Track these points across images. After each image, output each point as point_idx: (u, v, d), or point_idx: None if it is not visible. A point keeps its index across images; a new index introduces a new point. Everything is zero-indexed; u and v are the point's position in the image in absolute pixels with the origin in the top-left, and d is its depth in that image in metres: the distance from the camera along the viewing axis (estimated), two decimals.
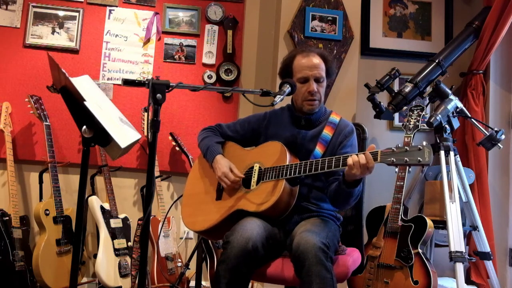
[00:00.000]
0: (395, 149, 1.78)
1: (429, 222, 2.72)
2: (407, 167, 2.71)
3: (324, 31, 3.28)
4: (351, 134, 2.19)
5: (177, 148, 3.28)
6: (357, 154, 1.85)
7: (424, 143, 1.74)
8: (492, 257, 2.90)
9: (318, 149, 2.11)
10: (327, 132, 2.15)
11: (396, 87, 3.42)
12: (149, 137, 1.71)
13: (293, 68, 2.17)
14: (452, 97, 2.84)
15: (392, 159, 1.77)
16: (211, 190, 2.22)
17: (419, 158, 1.72)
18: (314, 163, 1.96)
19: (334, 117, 2.21)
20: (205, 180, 2.27)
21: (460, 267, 2.46)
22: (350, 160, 1.84)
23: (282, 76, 2.21)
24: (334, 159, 1.92)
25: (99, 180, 3.25)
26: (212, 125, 2.38)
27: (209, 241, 2.98)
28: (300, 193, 2.06)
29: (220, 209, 2.12)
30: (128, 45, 3.40)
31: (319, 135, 2.15)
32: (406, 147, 1.76)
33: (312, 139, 2.16)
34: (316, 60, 2.15)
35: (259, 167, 2.12)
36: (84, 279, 3.13)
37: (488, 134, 2.81)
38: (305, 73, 2.13)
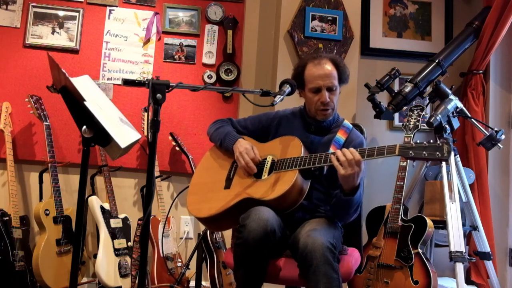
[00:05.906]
0: (413, 144, 1.79)
1: (429, 222, 2.72)
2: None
3: (324, 31, 3.28)
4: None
5: (177, 148, 3.28)
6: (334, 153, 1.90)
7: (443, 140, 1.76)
8: (492, 257, 2.91)
9: (332, 151, 2.09)
10: (340, 136, 2.16)
11: (396, 87, 3.42)
12: (149, 137, 1.72)
13: (305, 78, 2.16)
14: (452, 97, 2.84)
15: (411, 152, 1.78)
16: (220, 179, 2.19)
17: (437, 153, 1.73)
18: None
19: (347, 123, 2.23)
20: (215, 170, 2.24)
21: (460, 267, 2.46)
22: (334, 161, 1.87)
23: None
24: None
25: (99, 180, 3.24)
26: (223, 118, 2.39)
27: (209, 241, 2.97)
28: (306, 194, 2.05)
29: (228, 197, 2.08)
30: (128, 45, 3.40)
31: (332, 139, 2.15)
32: (424, 142, 1.77)
33: (325, 144, 2.16)
34: (328, 67, 2.13)
35: (272, 159, 2.11)
36: (84, 279, 3.13)
37: (488, 134, 2.81)
38: (317, 83, 2.12)
